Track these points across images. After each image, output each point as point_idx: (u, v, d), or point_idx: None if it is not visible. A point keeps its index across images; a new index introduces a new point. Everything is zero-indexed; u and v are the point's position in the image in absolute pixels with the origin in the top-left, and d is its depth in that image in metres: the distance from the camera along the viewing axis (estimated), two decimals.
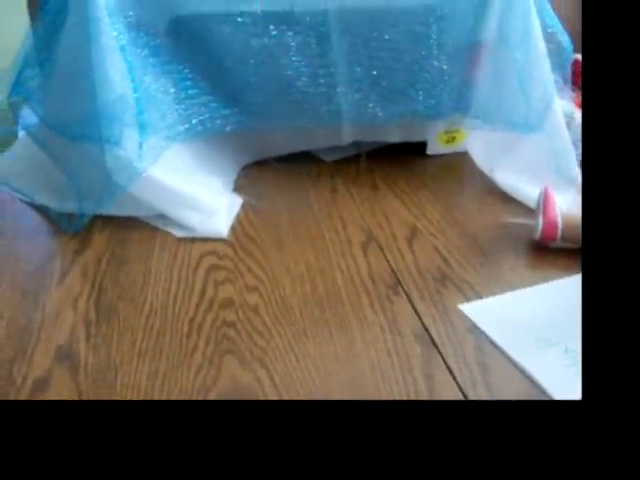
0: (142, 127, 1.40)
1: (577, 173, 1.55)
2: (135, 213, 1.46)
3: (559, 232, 1.32)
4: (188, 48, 1.49)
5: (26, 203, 1.52)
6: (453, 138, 1.75)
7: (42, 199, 1.52)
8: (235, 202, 1.53)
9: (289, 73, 1.52)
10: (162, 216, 1.44)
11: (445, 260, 1.32)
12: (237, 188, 1.60)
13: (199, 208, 1.44)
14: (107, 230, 1.43)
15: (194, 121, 1.51)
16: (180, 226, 1.43)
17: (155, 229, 1.43)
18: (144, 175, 1.38)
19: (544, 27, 1.52)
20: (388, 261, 1.32)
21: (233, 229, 1.43)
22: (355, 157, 1.74)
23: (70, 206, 1.46)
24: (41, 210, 1.49)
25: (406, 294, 1.21)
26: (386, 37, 1.52)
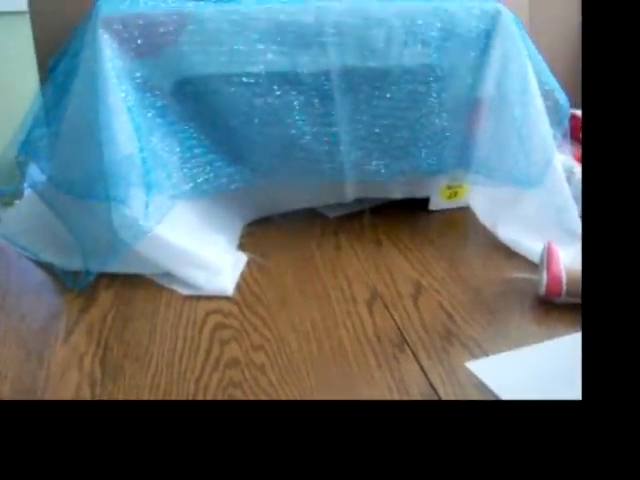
0: (148, 186, 1.41)
1: (579, 227, 1.56)
2: (141, 271, 1.47)
3: (564, 288, 1.33)
4: (194, 108, 1.52)
5: (32, 260, 1.53)
6: (455, 193, 1.77)
7: (47, 257, 1.53)
8: (240, 260, 1.54)
9: (293, 132, 1.54)
10: (167, 274, 1.45)
11: (450, 317, 1.33)
12: (242, 245, 1.61)
13: (205, 266, 1.45)
14: (113, 288, 1.43)
15: (199, 180, 1.52)
16: (185, 284, 1.44)
17: (160, 287, 1.44)
18: (150, 233, 1.39)
19: (541, 85, 1.55)
20: (394, 319, 1.32)
21: (238, 287, 1.44)
22: (358, 213, 1.75)
23: (75, 264, 1.46)
24: (46, 268, 1.50)
25: (412, 352, 1.21)
26: (388, 96, 1.55)
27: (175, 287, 1.43)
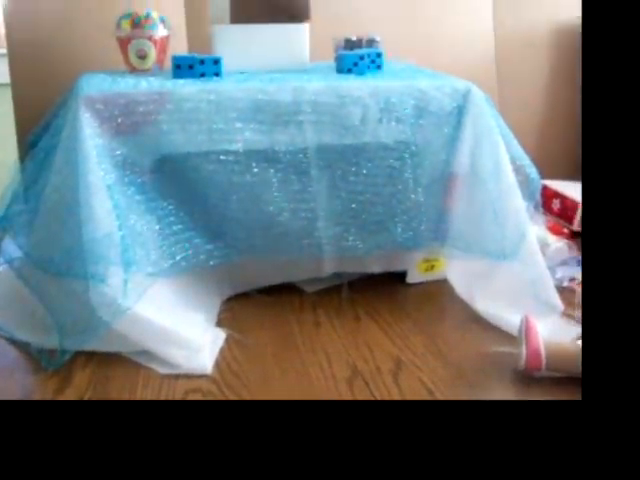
0: (127, 264, 1.41)
1: (556, 299, 1.58)
2: (119, 349, 1.45)
3: (543, 362, 1.34)
4: (173, 185, 1.54)
5: (5, 338, 1.51)
6: (432, 266, 1.79)
7: (22, 335, 1.51)
8: (219, 337, 1.53)
9: (271, 208, 1.56)
10: (145, 352, 1.44)
11: (431, 393, 1.32)
12: (220, 322, 1.60)
13: (183, 344, 1.44)
14: (89, 367, 1.41)
15: (178, 257, 1.53)
16: (164, 362, 1.42)
17: (138, 365, 1.42)
18: (128, 311, 1.38)
19: (512, 160, 1.59)
20: (374, 396, 1.31)
21: (217, 365, 1.43)
22: (337, 287, 1.76)
23: (51, 342, 1.45)
24: (21, 346, 1.48)
25: None
26: (364, 172, 1.58)
27: (153, 365, 1.42)
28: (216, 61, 1.64)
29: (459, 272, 1.73)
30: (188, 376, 1.38)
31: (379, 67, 1.81)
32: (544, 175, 2.29)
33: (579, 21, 2.43)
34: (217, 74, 1.63)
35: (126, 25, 1.69)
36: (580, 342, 1.35)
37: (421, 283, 1.79)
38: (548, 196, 2.25)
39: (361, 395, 1.31)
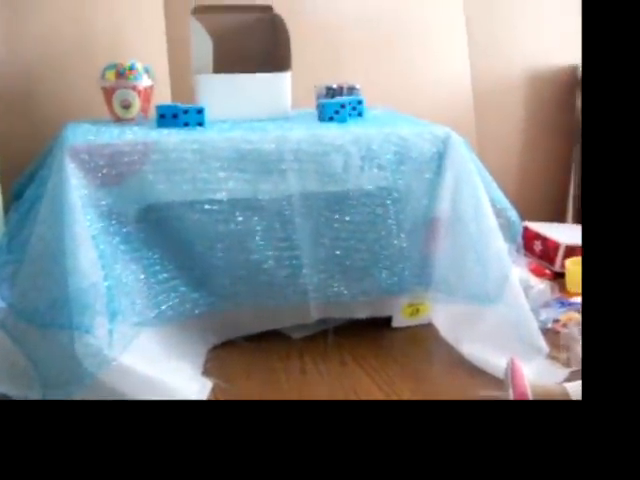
0: (112, 314, 1.41)
1: (541, 341, 1.59)
2: (104, 399, 1.44)
3: None
4: (158, 235, 1.54)
5: None
6: (417, 310, 1.79)
7: (3, 387, 1.48)
8: (205, 386, 1.52)
9: (256, 256, 1.57)
10: None
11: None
12: (206, 371, 1.59)
13: (169, 394, 1.43)
14: None
15: (164, 306, 1.53)
16: None
17: None
18: (114, 362, 1.38)
19: (492, 203, 1.62)
20: None
21: None
22: (323, 333, 1.75)
23: (34, 395, 1.42)
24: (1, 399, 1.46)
25: None
26: (347, 219, 1.60)
27: None
28: (199, 111, 1.67)
29: (444, 315, 1.75)
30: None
31: (360, 114, 1.85)
32: (525, 217, 2.33)
33: (553, 66, 2.50)
34: (200, 124, 1.65)
35: (110, 75, 1.71)
36: (568, 385, 1.37)
37: (407, 327, 1.80)
38: (529, 238, 2.28)
39: None
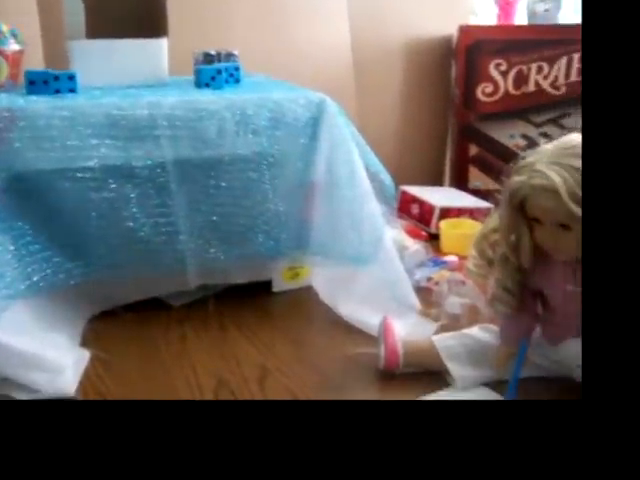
0: None
1: (414, 299, 1.65)
2: None
3: (400, 360, 1.40)
4: (27, 204, 1.49)
5: None
6: (297, 274, 1.82)
7: None
8: (82, 357, 1.48)
9: (131, 224, 1.54)
10: (2, 379, 1.37)
11: (296, 398, 1.35)
12: (84, 342, 1.56)
13: (44, 367, 1.38)
14: None
15: (35, 278, 1.48)
16: (22, 388, 1.36)
17: None
18: None
19: (367, 167, 1.66)
20: None
21: (81, 386, 1.39)
22: (203, 299, 1.75)
23: None
24: None
25: None
26: (223, 184, 1.59)
27: (9, 392, 1.35)
28: (71, 77, 1.61)
29: (323, 278, 1.78)
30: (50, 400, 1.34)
31: (237, 81, 1.84)
32: (404, 181, 2.41)
33: (429, 36, 2.57)
34: (72, 90, 1.60)
35: None
36: (434, 337, 1.43)
37: (287, 291, 1.82)
38: (407, 201, 2.35)
39: None
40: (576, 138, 1.19)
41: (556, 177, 1.12)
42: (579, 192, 1.11)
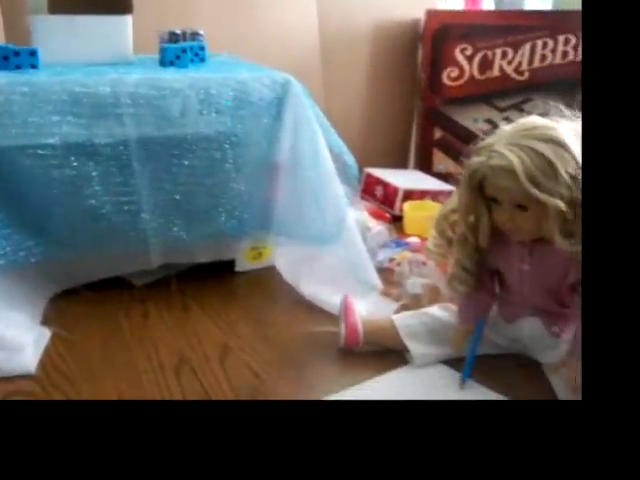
0: None
1: (375, 279, 1.67)
2: None
3: (361, 337, 1.42)
4: None
5: None
6: (260, 254, 1.83)
7: None
8: (43, 335, 1.48)
9: (92, 202, 1.53)
10: None
11: (257, 375, 1.36)
12: (45, 320, 1.55)
13: (4, 346, 1.38)
14: None
15: None
16: None
17: None
18: None
19: (330, 148, 1.66)
20: (201, 383, 1.33)
21: (42, 364, 1.39)
22: (166, 279, 1.75)
23: None
24: None
25: None
26: (186, 163, 1.59)
27: None
28: (32, 52, 1.59)
29: (286, 258, 1.79)
30: (9, 379, 1.33)
31: (202, 60, 1.83)
32: (369, 164, 2.42)
33: (397, 19, 2.57)
34: (34, 66, 1.58)
35: None
36: (394, 316, 1.45)
37: (250, 271, 1.82)
38: (371, 183, 2.36)
39: (188, 382, 1.33)
40: (535, 120, 1.22)
41: (514, 158, 1.14)
42: (536, 173, 1.13)
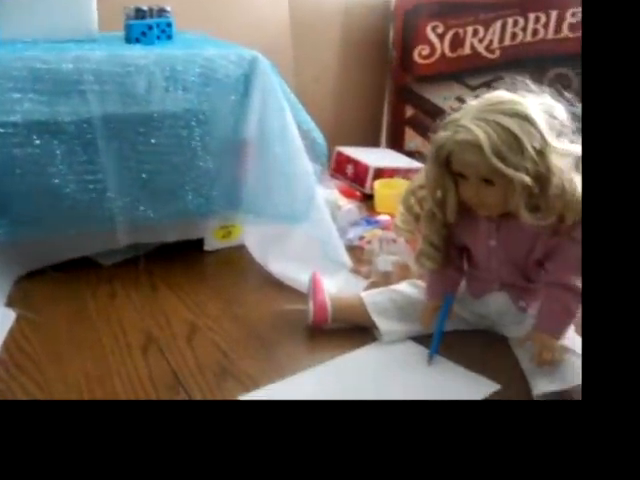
0: None
1: (344, 257, 1.67)
2: None
3: (329, 315, 1.41)
4: None
5: None
6: (229, 233, 1.81)
7: None
8: (8, 317, 1.46)
9: (56, 181, 1.50)
10: None
11: (225, 355, 1.35)
12: (10, 302, 1.53)
13: None
14: None
15: None
16: None
17: None
18: None
19: (299, 125, 1.64)
20: (168, 362, 1.32)
21: (6, 346, 1.37)
22: (134, 259, 1.73)
23: None
24: None
25: (187, 393, 1.23)
26: (152, 141, 1.56)
27: None
28: None
29: (255, 237, 1.78)
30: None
31: (169, 37, 1.79)
32: (341, 142, 2.41)
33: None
34: None
35: None
36: (363, 293, 1.45)
37: (219, 250, 1.81)
38: (342, 162, 2.35)
39: (155, 361, 1.32)
40: (502, 95, 1.21)
41: (480, 132, 1.14)
42: (502, 147, 1.13)
